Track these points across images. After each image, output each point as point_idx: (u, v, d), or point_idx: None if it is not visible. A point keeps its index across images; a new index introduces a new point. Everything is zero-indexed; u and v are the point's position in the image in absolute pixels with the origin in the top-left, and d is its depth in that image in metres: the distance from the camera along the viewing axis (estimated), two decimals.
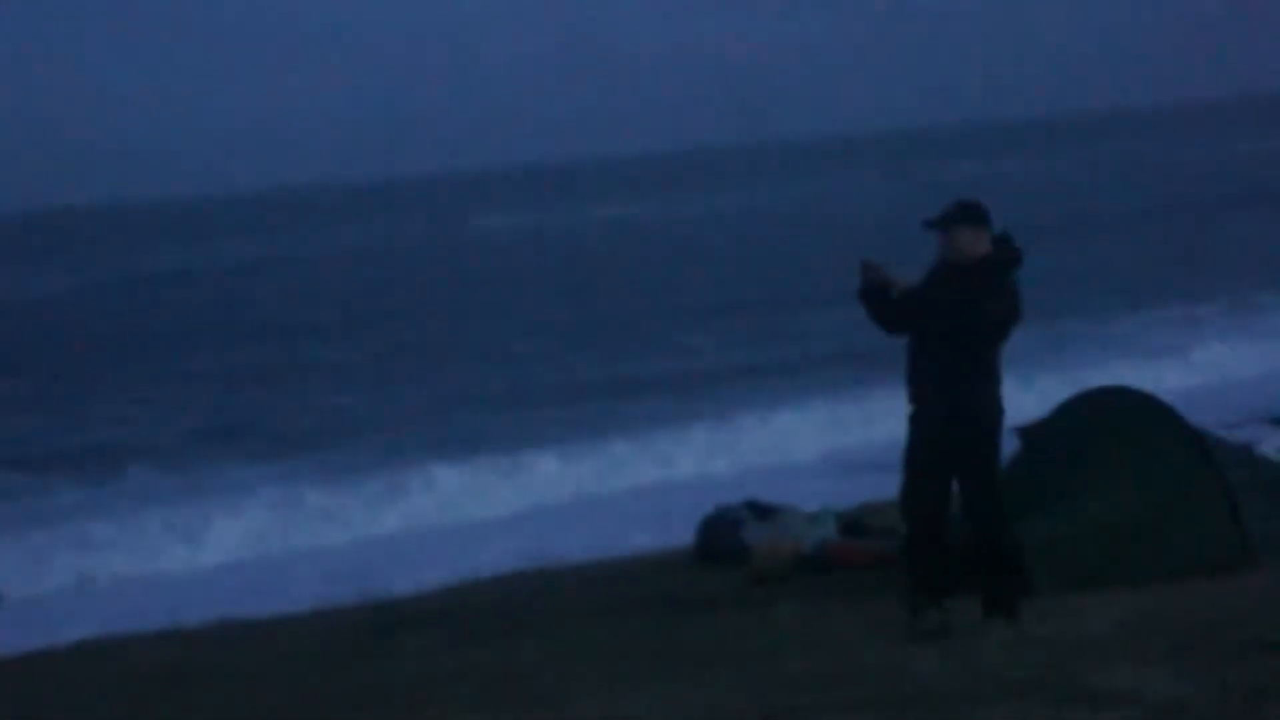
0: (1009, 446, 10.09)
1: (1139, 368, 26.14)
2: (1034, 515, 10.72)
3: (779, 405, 27.16)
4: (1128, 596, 10.11)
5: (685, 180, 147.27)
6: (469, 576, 15.19)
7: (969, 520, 9.49)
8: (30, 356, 43.67)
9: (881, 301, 9.47)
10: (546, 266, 63.59)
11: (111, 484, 25.46)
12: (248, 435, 29.12)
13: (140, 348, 44.48)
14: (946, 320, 9.27)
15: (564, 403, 30.09)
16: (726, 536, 13.40)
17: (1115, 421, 11.52)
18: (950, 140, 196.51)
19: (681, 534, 14.55)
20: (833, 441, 23.83)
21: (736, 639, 10.06)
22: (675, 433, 25.07)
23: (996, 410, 9.42)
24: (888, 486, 10.06)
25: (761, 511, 13.81)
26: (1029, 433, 11.73)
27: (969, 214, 9.41)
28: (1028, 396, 16.53)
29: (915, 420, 9.49)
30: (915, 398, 9.48)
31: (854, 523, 13.45)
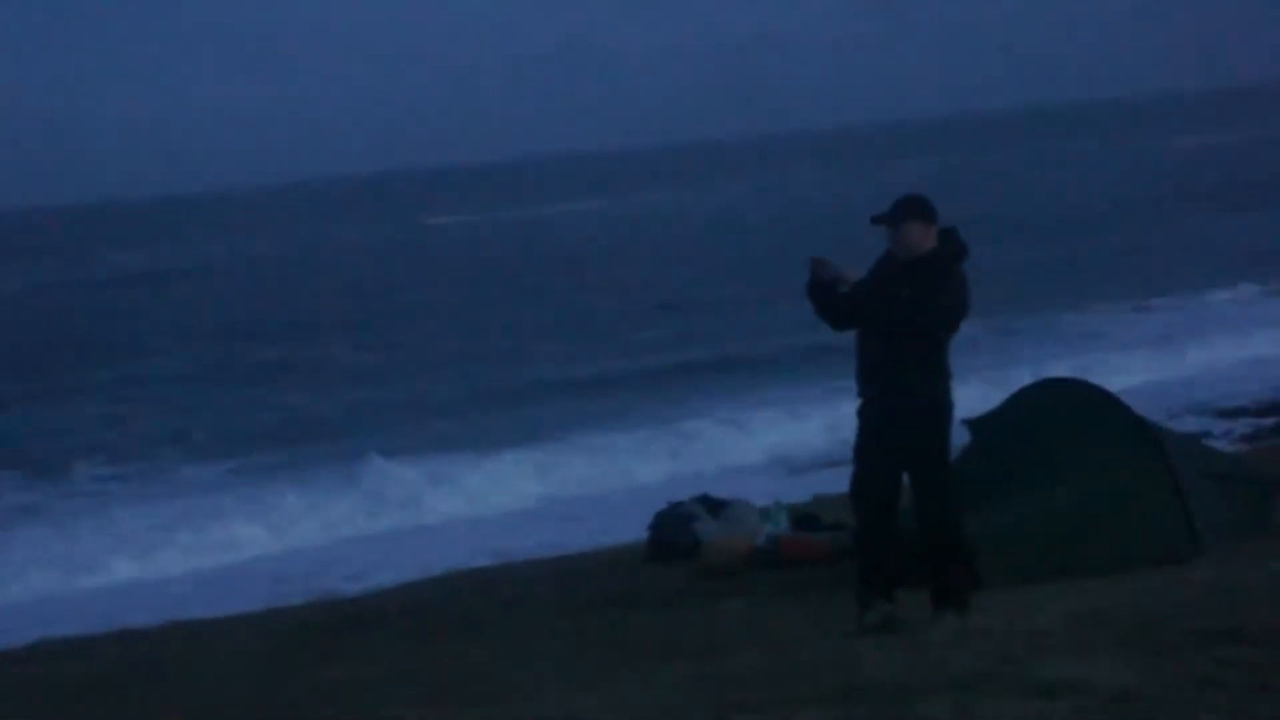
0: (959, 439, 10.13)
1: (1088, 361, 26.28)
2: (984, 507, 10.77)
3: (733, 402, 27.21)
4: (1077, 588, 10.16)
5: (644, 176, 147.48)
6: (422, 575, 15.20)
7: (919, 513, 9.52)
8: None
9: (829, 298, 9.50)
10: (498, 264, 63.49)
11: (63, 484, 25.36)
12: (202, 435, 28.99)
13: (94, 349, 44.26)
14: (895, 315, 9.31)
15: (520, 402, 30.03)
16: (679, 532, 13.44)
17: (1064, 413, 11.59)
18: (916, 135, 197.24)
19: (635, 530, 14.58)
20: (787, 436, 23.85)
21: (688, 634, 10.08)
22: (630, 431, 25.07)
23: (946, 403, 9.46)
24: (841, 480, 10.10)
25: (714, 506, 13.85)
26: (979, 425, 11.79)
27: (916, 209, 9.46)
28: (977, 389, 16.61)
29: (864, 413, 9.53)
30: (864, 391, 9.52)
31: (806, 516, 13.50)
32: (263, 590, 16.76)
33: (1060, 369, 20.92)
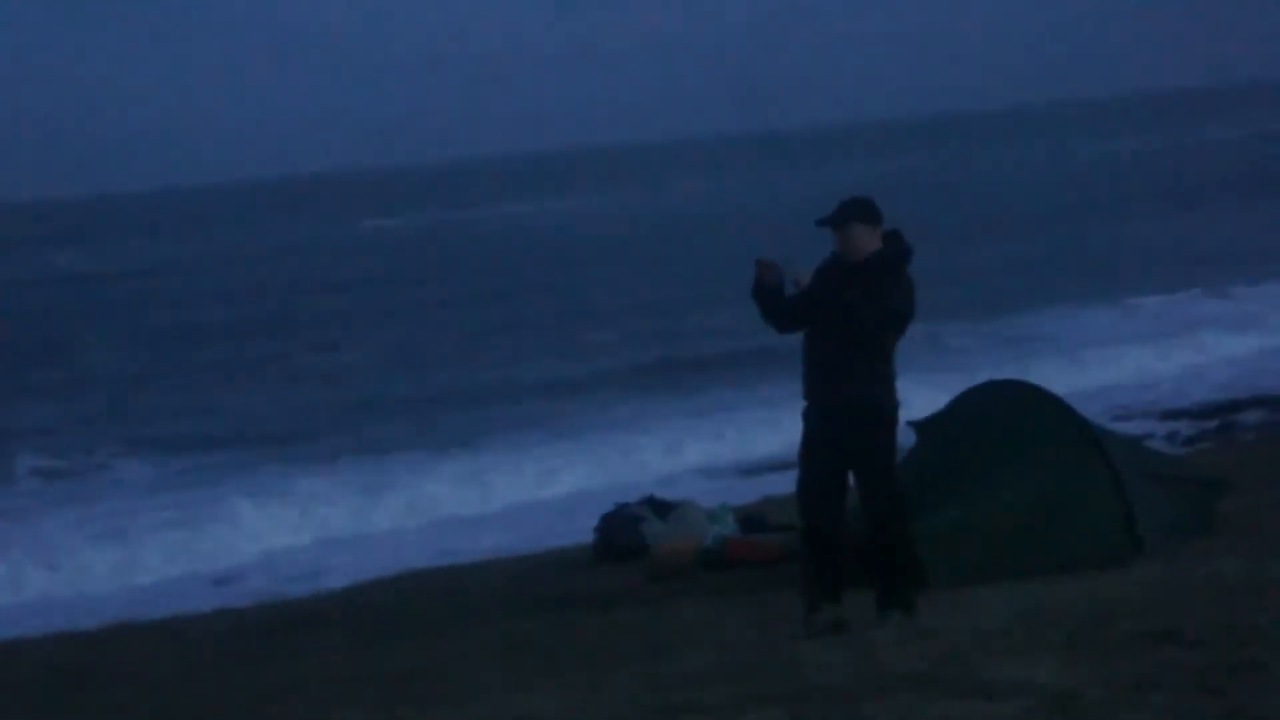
0: (905, 440, 10.18)
1: (1032, 363, 26.42)
2: (930, 508, 10.83)
3: (682, 405, 27.25)
4: (1022, 588, 10.22)
5: (602, 175, 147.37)
6: (370, 577, 15.17)
7: (865, 514, 9.57)
8: None
9: (775, 300, 9.53)
10: (438, 266, 63.32)
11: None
12: (145, 435, 28.85)
13: (29, 349, 43.97)
14: (841, 317, 9.35)
15: (466, 405, 29.94)
16: (626, 533, 13.47)
17: (1009, 415, 11.66)
18: (866, 135, 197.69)
19: (582, 533, 14.59)
20: (735, 439, 23.88)
21: (635, 635, 10.11)
22: (577, 435, 25.06)
23: (892, 404, 9.51)
24: (790, 482, 10.13)
25: (661, 508, 13.88)
26: (925, 427, 11.85)
27: (862, 212, 9.50)
28: (923, 391, 16.66)
29: (810, 415, 9.56)
30: (810, 393, 9.55)
31: (753, 518, 13.54)
32: (207, 593, 16.71)
33: (1005, 371, 21.01)
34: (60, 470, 26.27)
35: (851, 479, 9.57)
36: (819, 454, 9.51)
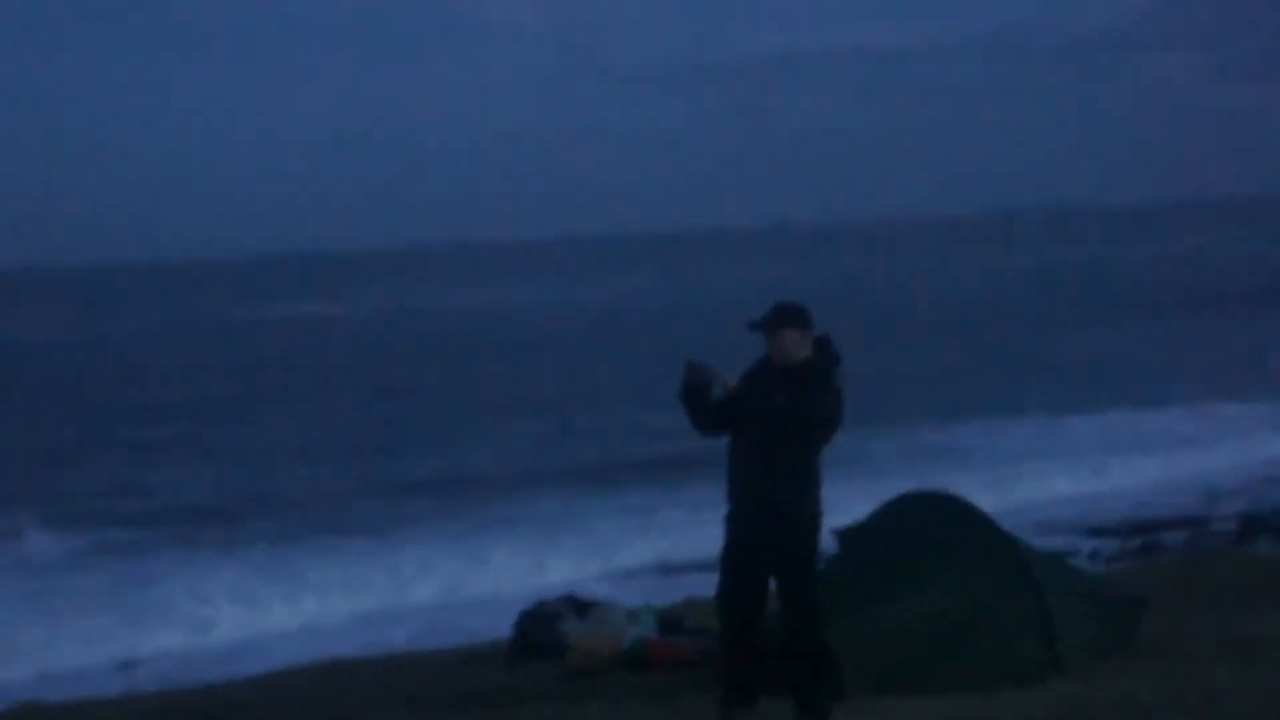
0: (828, 547, 10.15)
1: (956, 476, 26.45)
2: (849, 617, 10.77)
3: (605, 505, 27.15)
4: (939, 702, 10.19)
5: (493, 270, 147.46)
6: (278, 668, 14.97)
7: (784, 620, 9.52)
8: None
9: (702, 402, 9.50)
10: (343, 358, 62.99)
11: None
12: (55, 513, 28.49)
13: None
14: (768, 421, 9.33)
15: (387, 496, 29.68)
16: (544, 631, 13.33)
17: (932, 527, 11.63)
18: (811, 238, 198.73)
19: (503, 628, 14.45)
20: (658, 542, 23.80)
21: None
22: (502, 532, 24.91)
23: (815, 512, 9.48)
24: (713, 584, 10.07)
25: (580, 607, 13.76)
26: (847, 535, 11.80)
27: (794, 317, 9.50)
28: (845, 499, 16.62)
29: (733, 520, 9.52)
30: (733, 496, 9.51)
31: (673, 620, 13.45)
32: (115, 678, 16.48)
33: (928, 482, 21.00)
34: None
35: (773, 584, 9.52)
36: (740, 558, 9.47)
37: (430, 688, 12.36)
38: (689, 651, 12.21)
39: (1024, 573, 11.30)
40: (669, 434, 30.35)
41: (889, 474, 25.90)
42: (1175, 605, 12.96)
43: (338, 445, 37.41)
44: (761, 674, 9.50)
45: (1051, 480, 27.77)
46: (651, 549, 23.34)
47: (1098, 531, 23.03)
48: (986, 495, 20.88)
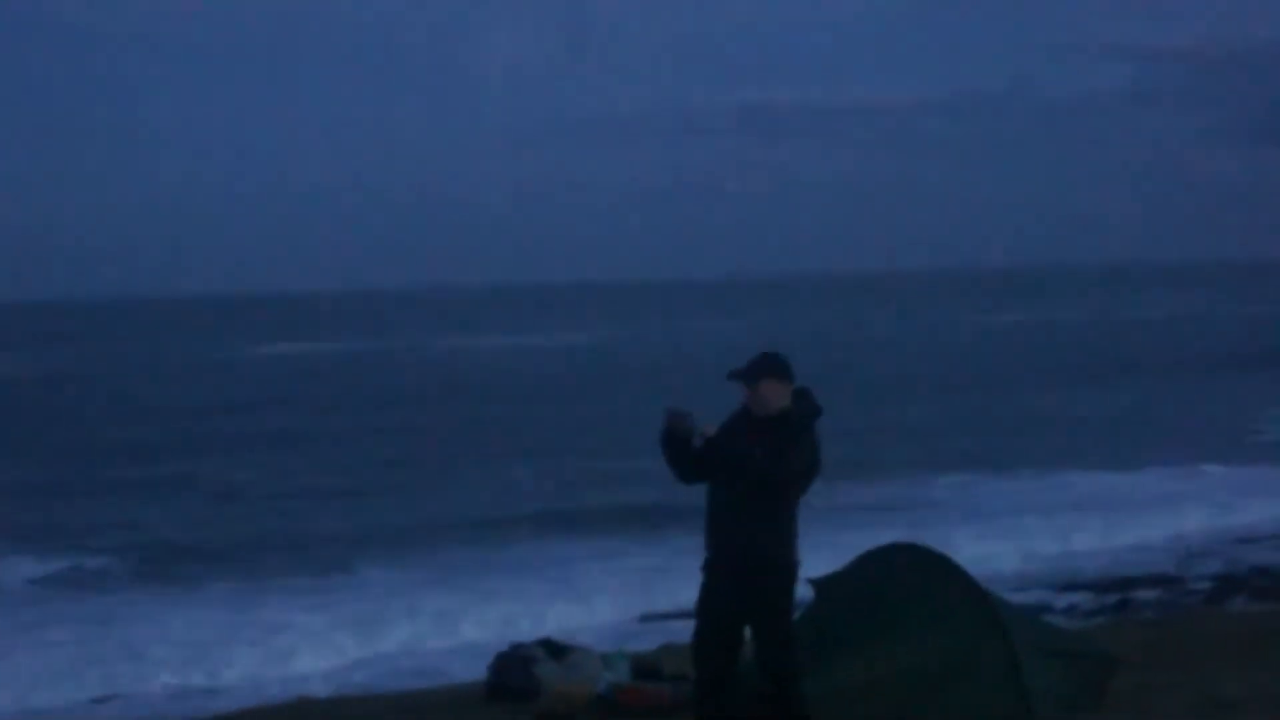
0: (804, 597, 10.20)
1: (932, 529, 26.48)
2: (824, 668, 10.81)
3: (584, 550, 27.16)
4: None
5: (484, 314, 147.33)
6: (250, 705, 14.96)
7: (759, 669, 9.56)
8: None
9: (682, 450, 9.57)
10: (357, 395, 63.14)
11: None
12: (36, 547, 28.46)
13: None
14: (747, 471, 9.40)
15: (362, 540, 29.58)
16: (519, 674, 13.34)
17: (908, 578, 11.67)
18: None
19: (479, 670, 14.47)
20: (636, 589, 23.81)
21: None
22: (477, 574, 24.89)
23: (792, 561, 9.54)
24: (689, 632, 10.11)
25: (556, 650, 13.79)
26: (823, 585, 11.85)
27: (773, 367, 9.58)
28: (820, 549, 16.67)
29: (710, 568, 9.57)
30: (711, 545, 9.57)
31: (648, 666, 13.46)
32: (89, 712, 16.45)
33: (906, 535, 21.11)
34: None
35: (748, 633, 9.57)
36: (716, 606, 9.52)
37: None
38: (664, 698, 12.24)
39: (997, 627, 11.34)
40: (649, 481, 30.50)
41: (867, 525, 26.00)
42: (1147, 663, 13.02)
43: (319, 485, 37.36)
44: None
45: (1029, 536, 27.84)
46: (629, 595, 23.35)
47: (1072, 587, 23.11)
48: (964, 549, 21.00)
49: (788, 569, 9.50)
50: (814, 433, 9.57)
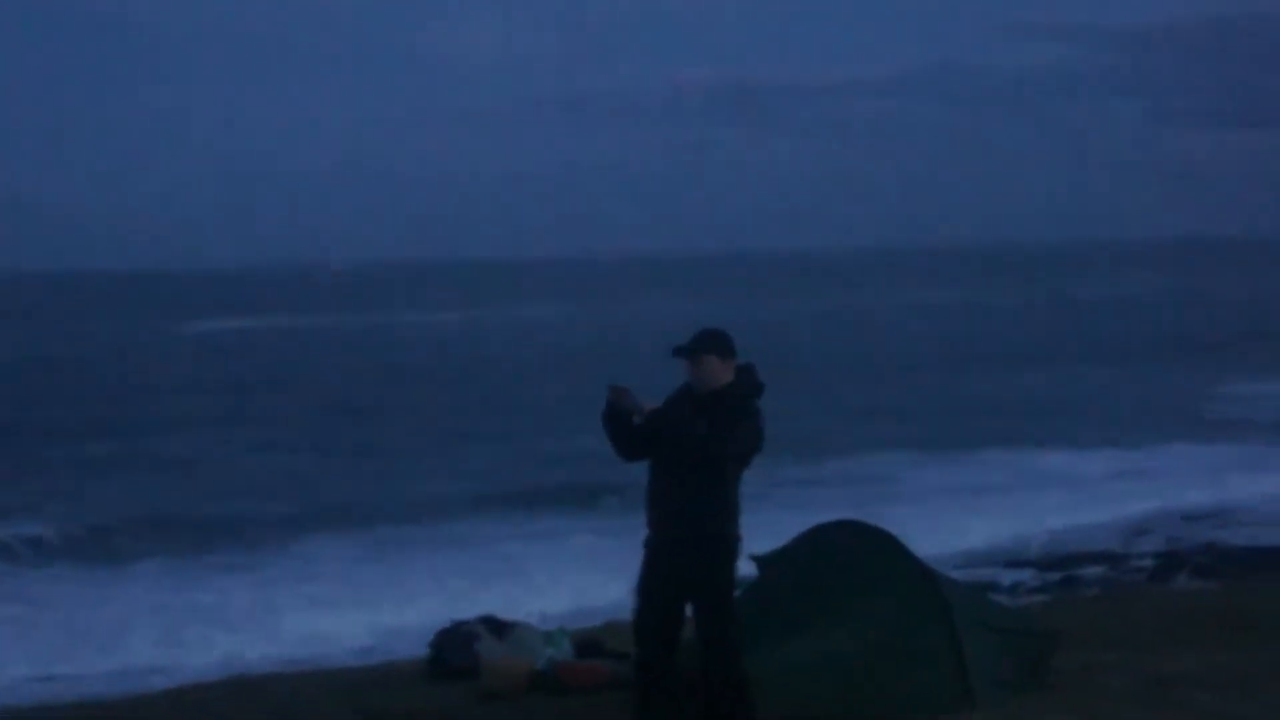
0: (747, 574, 10.13)
1: (878, 507, 26.47)
2: (765, 645, 10.75)
3: (525, 529, 27.08)
4: None
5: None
6: (187, 682, 14.84)
7: (699, 646, 9.50)
8: None
9: (624, 427, 9.49)
10: (305, 372, 62.83)
11: None
12: None
13: None
14: (688, 447, 9.33)
15: (311, 520, 29.39)
16: (459, 651, 13.25)
17: (851, 555, 11.62)
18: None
19: (420, 646, 14.38)
20: (579, 565, 23.76)
21: None
22: (418, 554, 24.78)
23: (734, 538, 9.49)
24: (630, 609, 10.04)
25: (497, 627, 13.70)
26: (766, 561, 11.79)
27: (715, 343, 9.52)
28: (761, 526, 16.64)
29: (651, 545, 9.51)
30: (652, 522, 9.51)
31: (590, 643, 13.39)
32: (30, 689, 16.30)
33: (852, 512, 21.08)
34: None
35: (689, 610, 9.51)
36: (657, 583, 9.46)
37: (341, 706, 12.28)
38: (605, 675, 12.16)
39: (940, 605, 11.30)
40: (592, 459, 30.41)
41: (811, 503, 25.95)
42: (1089, 640, 13.01)
43: (263, 463, 37.15)
44: (676, 699, 9.47)
45: (975, 514, 27.88)
46: (571, 573, 23.28)
47: (1018, 564, 23.15)
48: (909, 526, 20.94)
49: (728, 544, 9.45)
50: (757, 409, 9.51)
